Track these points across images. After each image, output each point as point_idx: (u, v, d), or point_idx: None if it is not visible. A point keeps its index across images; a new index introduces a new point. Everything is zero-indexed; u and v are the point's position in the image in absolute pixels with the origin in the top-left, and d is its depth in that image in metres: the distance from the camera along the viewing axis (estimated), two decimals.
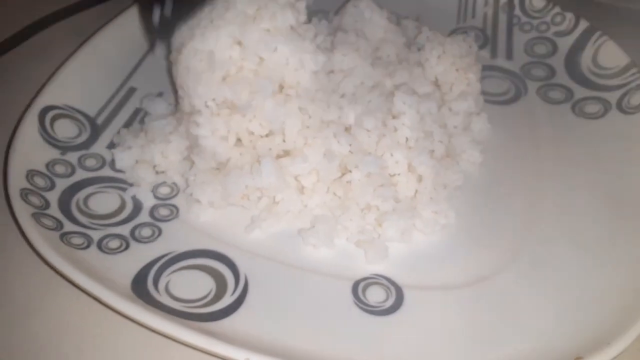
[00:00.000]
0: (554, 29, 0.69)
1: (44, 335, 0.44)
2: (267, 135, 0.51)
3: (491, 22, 0.73)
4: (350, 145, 0.50)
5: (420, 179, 0.51)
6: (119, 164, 0.54)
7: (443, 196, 0.51)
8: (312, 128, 0.51)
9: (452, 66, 0.59)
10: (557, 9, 0.70)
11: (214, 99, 0.50)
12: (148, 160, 0.54)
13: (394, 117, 0.52)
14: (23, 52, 0.68)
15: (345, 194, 0.51)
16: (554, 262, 0.48)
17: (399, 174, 0.51)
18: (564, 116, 0.61)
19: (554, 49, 0.68)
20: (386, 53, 0.60)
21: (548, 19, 0.70)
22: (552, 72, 0.66)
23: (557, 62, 0.67)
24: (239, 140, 0.52)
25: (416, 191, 0.51)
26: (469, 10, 0.74)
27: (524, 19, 0.71)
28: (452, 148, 0.56)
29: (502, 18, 0.72)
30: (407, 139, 0.51)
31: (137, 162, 0.54)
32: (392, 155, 0.51)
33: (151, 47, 0.52)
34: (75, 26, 0.72)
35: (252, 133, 0.51)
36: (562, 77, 0.65)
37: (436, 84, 0.59)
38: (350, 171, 0.50)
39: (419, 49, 0.61)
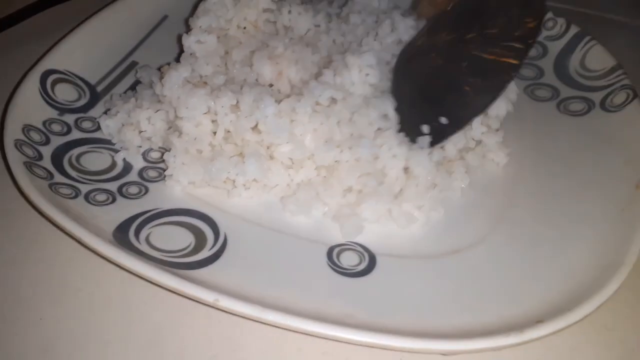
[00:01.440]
0: (545, 33, 0.71)
1: (27, 280, 0.46)
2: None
3: None
4: (351, 135, 0.51)
5: (411, 176, 0.51)
6: (105, 130, 0.56)
7: (429, 194, 0.51)
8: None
9: None
10: (549, 15, 0.72)
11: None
12: (134, 124, 0.55)
13: None
14: (23, 30, 0.71)
15: (330, 172, 0.52)
16: (524, 241, 0.49)
17: (392, 168, 0.51)
18: (548, 112, 0.63)
19: (544, 51, 0.70)
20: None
21: None
22: (541, 72, 0.68)
23: (547, 64, 0.69)
24: (227, 132, 0.52)
25: (401, 190, 0.51)
26: None
27: None
28: (481, 146, 0.56)
29: None
30: None
31: (123, 125, 0.55)
32: (390, 149, 0.51)
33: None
34: (75, 10, 0.74)
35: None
36: (549, 78, 0.67)
37: None
38: (341, 150, 0.51)
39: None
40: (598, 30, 0.70)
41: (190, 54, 0.57)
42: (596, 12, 0.81)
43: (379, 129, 0.52)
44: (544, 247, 0.48)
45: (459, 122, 0.52)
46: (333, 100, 0.53)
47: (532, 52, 0.70)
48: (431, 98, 0.53)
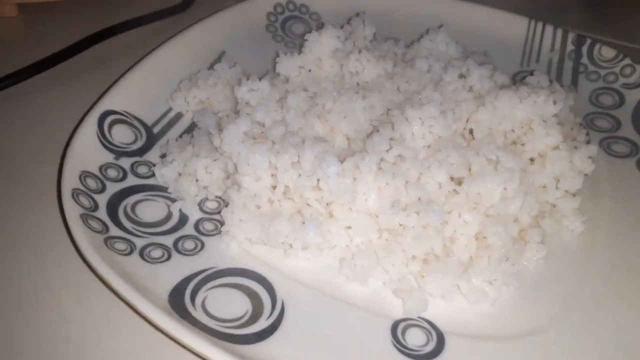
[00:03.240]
0: (622, 80, 0.67)
1: (77, 340, 0.44)
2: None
3: (556, 68, 0.71)
4: (419, 199, 0.48)
5: (484, 246, 0.48)
6: (160, 180, 0.54)
7: (502, 267, 0.47)
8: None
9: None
10: (627, 60, 0.68)
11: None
12: (192, 173, 0.53)
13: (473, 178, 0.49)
14: (83, 60, 0.71)
15: (393, 236, 0.49)
16: (605, 320, 0.45)
17: (462, 234, 0.48)
18: (627, 171, 0.58)
19: (621, 101, 0.66)
20: (463, 97, 0.56)
21: (617, 69, 0.68)
22: (618, 124, 0.64)
23: (624, 114, 0.64)
24: (286, 187, 0.50)
25: (471, 258, 0.48)
26: (534, 54, 0.72)
27: (591, 67, 0.70)
28: (556, 211, 0.53)
29: (568, 65, 0.71)
30: (490, 206, 0.48)
31: (180, 175, 0.54)
32: (459, 215, 0.48)
33: None
34: (134, 40, 0.75)
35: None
36: (628, 131, 0.63)
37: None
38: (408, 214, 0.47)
39: None
40: None
41: (246, 103, 0.55)
42: None
43: (449, 192, 0.49)
44: (628, 331, 0.44)
45: None
46: (400, 157, 0.50)
47: (608, 101, 0.66)
48: None
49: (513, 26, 0.73)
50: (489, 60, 0.65)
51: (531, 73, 0.61)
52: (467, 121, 0.55)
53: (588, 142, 0.57)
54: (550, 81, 0.59)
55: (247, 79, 0.56)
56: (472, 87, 0.58)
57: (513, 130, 0.55)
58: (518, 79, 0.69)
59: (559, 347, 0.43)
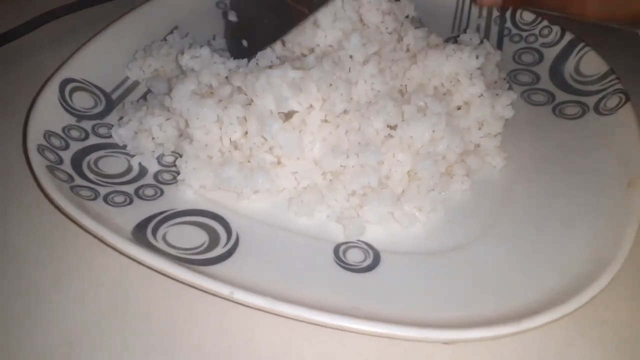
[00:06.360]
0: (541, 40, 0.74)
1: (51, 279, 0.48)
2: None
3: (483, 33, 0.78)
4: (359, 143, 0.54)
5: (414, 179, 0.54)
6: (117, 140, 0.58)
7: (430, 196, 0.53)
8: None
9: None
10: (545, 23, 0.75)
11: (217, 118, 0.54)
12: (147, 130, 0.57)
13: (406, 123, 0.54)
14: (40, 37, 0.74)
15: (336, 176, 0.54)
16: (521, 238, 0.51)
17: (396, 171, 0.54)
18: (544, 116, 0.65)
19: (540, 58, 0.73)
20: (399, 56, 0.62)
21: (536, 31, 0.75)
22: (537, 78, 0.71)
23: (542, 69, 0.72)
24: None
25: (403, 191, 0.54)
26: (464, 20, 0.79)
27: (514, 30, 0.77)
28: (480, 149, 0.59)
29: (494, 29, 0.78)
30: (420, 146, 0.54)
31: (136, 132, 0.58)
32: (394, 155, 0.54)
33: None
34: (88, 19, 0.78)
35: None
36: (545, 83, 0.70)
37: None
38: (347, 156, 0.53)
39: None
40: (591, 36, 0.72)
41: (191, 70, 0.60)
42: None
43: (385, 137, 0.55)
44: (540, 244, 0.51)
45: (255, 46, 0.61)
46: (345, 112, 0.55)
47: (529, 59, 0.73)
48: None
49: None
50: (424, 25, 0.71)
51: (464, 31, 0.68)
52: (402, 78, 0.61)
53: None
54: (481, 40, 0.66)
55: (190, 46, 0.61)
56: (408, 47, 0.64)
57: (443, 85, 0.61)
58: (451, 42, 0.75)
59: (480, 260, 0.50)
